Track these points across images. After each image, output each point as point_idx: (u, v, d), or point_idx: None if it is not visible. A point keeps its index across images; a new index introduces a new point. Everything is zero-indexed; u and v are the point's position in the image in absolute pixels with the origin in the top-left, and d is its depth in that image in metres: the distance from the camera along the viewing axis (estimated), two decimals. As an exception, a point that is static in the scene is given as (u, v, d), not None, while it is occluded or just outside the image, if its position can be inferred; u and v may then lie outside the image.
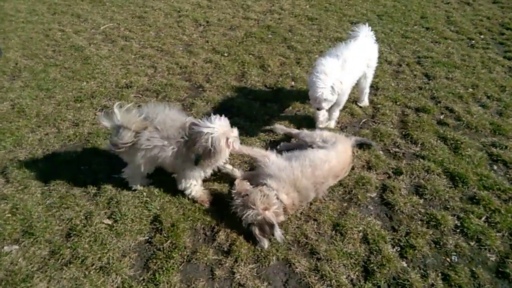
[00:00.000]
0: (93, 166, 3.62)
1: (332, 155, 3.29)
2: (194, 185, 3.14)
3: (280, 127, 3.97)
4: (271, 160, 3.19)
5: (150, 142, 2.86)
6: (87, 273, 2.69)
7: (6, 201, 3.24)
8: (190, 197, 3.20)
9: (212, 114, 2.86)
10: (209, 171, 3.12)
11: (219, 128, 2.78)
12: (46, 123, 4.19)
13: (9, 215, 3.11)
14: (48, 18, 6.94)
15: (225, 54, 5.68)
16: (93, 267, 2.74)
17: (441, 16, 7.18)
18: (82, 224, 3.04)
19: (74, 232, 2.97)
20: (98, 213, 3.14)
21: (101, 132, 4.02)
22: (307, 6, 7.57)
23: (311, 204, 3.27)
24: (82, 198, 3.29)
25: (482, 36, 6.47)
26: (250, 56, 5.62)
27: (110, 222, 3.06)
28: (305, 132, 3.68)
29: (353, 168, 3.61)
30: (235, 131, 2.97)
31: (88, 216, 3.10)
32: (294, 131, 3.82)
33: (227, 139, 2.85)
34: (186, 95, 4.73)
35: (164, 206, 3.20)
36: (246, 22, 6.81)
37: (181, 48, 5.89)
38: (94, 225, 3.02)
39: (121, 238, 2.95)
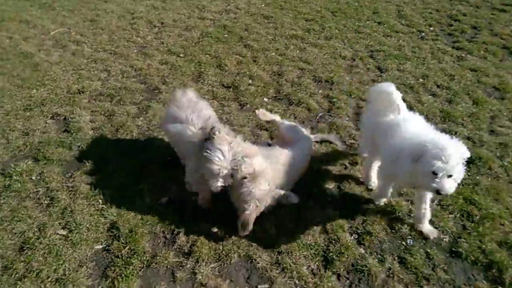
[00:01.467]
0: (44, 176, 3.49)
1: (298, 152, 3.29)
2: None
3: (265, 114, 3.87)
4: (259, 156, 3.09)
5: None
6: (42, 286, 2.60)
7: (-49, 218, 3.07)
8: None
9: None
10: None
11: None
12: (-6, 134, 4.01)
13: (-44, 231, 2.96)
14: (-6, 25, 6.63)
15: (181, 55, 5.63)
16: (49, 279, 2.65)
17: (392, 11, 7.42)
18: (36, 237, 2.93)
19: (27, 245, 2.87)
20: (51, 224, 3.03)
21: (52, 141, 3.89)
22: (263, 5, 7.63)
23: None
24: (34, 209, 3.17)
25: (431, 28, 6.75)
26: (207, 56, 5.60)
27: (64, 233, 2.97)
28: (286, 123, 3.68)
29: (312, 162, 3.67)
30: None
31: (42, 228, 3.00)
32: (277, 118, 3.81)
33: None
34: (142, 98, 4.65)
35: (121, 212, 3.14)
36: (202, 22, 6.78)
37: (135, 51, 5.79)
38: (48, 236, 2.92)
39: (76, 248, 2.86)
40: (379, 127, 3.14)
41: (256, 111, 3.90)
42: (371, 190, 3.46)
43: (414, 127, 2.92)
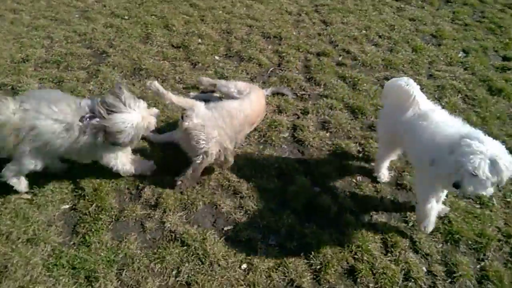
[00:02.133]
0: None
1: (247, 105, 3.47)
2: (115, 159, 2.96)
3: (206, 79, 3.99)
4: (199, 108, 3.20)
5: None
6: (14, 247, 2.64)
7: None
8: (122, 174, 3.08)
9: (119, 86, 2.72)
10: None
11: (139, 117, 2.68)
12: None
13: None
14: None
15: (126, 17, 5.49)
16: (20, 240, 2.69)
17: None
18: (0, 203, 2.92)
19: (-9, 213, 2.87)
20: (14, 191, 3.03)
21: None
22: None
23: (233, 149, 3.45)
24: (-8, 178, 3.14)
25: (371, -18, 6.95)
26: (153, 17, 5.50)
27: (29, 197, 2.99)
28: (222, 82, 3.80)
29: (265, 114, 3.85)
30: (154, 111, 2.92)
31: (4, 195, 2.99)
32: (216, 81, 3.91)
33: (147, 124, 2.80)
34: (90, 63, 4.55)
35: (84, 174, 3.18)
36: (144, -18, 6.56)
37: (77, 16, 5.56)
38: (12, 202, 2.93)
39: (43, 210, 2.90)
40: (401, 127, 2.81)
41: (198, 78, 4.09)
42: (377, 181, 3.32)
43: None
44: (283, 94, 4.15)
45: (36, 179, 3.08)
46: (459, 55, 4.99)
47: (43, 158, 2.76)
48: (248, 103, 3.49)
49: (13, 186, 2.88)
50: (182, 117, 2.94)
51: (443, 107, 3.89)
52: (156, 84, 3.20)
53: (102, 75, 4.31)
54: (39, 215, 2.87)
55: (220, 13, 5.69)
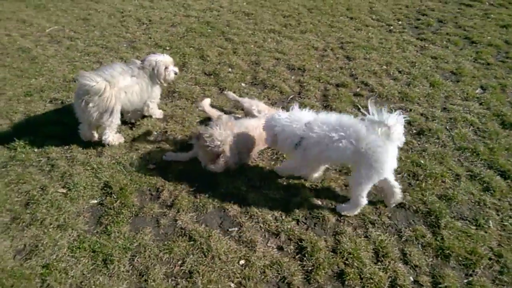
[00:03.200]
0: (45, 148, 3.97)
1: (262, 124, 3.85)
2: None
3: (232, 94, 4.49)
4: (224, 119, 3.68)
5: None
6: (46, 230, 3.09)
7: (-35, 182, 3.54)
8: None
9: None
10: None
11: (162, 58, 4.03)
12: (-1, 117, 4.49)
13: (-31, 193, 3.43)
14: (-8, 24, 7.10)
15: (167, 48, 6.14)
16: (51, 226, 3.13)
17: (365, 7, 8.00)
18: (39, 194, 3.41)
19: (33, 201, 3.34)
20: (53, 185, 3.52)
21: (53, 120, 4.38)
22: (244, 3, 8.17)
23: (243, 164, 3.80)
24: (37, 174, 3.65)
25: (400, 22, 7.33)
26: (191, 48, 6.12)
27: (64, 191, 3.46)
28: (246, 99, 4.29)
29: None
30: (175, 68, 4.18)
31: (44, 188, 3.48)
32: (239, 99, 4.39)
33: (166, 67, 4.02)
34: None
35: (113, 175, 3.63)
36: (187, 19, 7.30)
37: (125, 45, 6.29)
38: (50, 194, 3.41)
39: (75, 203, 3.35)
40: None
41: (224, 91, 4.59)
42: None
43: None
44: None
45: (72, 176, 3.56)
46: (476, 91, 5.14)
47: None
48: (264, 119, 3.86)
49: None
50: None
51: (452, 137, 4.12)
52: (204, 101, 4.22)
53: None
54: (70, 206, 3.31)
55: (252, 47, 6.22)
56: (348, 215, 3.31)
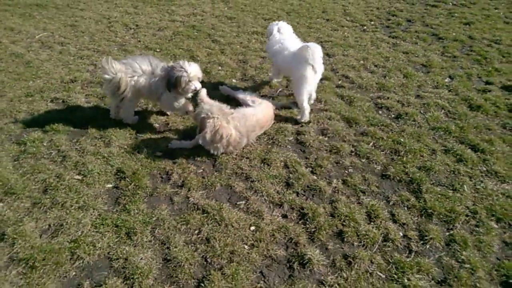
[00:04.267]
0: (54, 142, 4.20)
1: (258, 111, 4.24)
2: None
3: (227, 88, 4.86)
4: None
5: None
6: (68, 211, 3.34)
7: (-19, 175, 3.74)
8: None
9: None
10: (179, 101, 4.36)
11: (186, 74, 4.10)
12: (3, 116, 4.67)
13: (-13, 183, 3.63)
14: (-20, 32, 7.21)
15: (157, 50, 6.45)
16: (72, 207, 3.38)
17: (339, 10, 8.55)
18: (56, 181, 3.65)
19: (50, 188, 3.58)
20: (67, 173, 3.76)
21: (57, 117, 4.60)
22: (226, 8, 8.58)
23: (243, 149, 4.15)
24: (51, 165, 3.88)
25: (372, 23, 7.90)
26: (180, 50, 6.46)
27: (80, 177, 3.71)
28: (240, 92, 4.74)
29: (274, 122, 4.57)
30: (197, 84, 4.26)
31: (60, 176, 3.72)
32: (234, 92, 4.79)
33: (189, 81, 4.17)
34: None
35: (124, 161, 3.91)
36: (173, 23, 7.64)
37: (116, 48, 6.56)
38: (66, 181, 3.65)
39: (91, 187, 3.61)
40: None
41: (220, 87, 4.99)
42: None
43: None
44: (289, 108, 4.89)
45: (85, 165, 3.82)
46: (445, 80, 5.69)
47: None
48: (260, 110, 4.26)
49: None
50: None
51: (426, 119, 4.60)
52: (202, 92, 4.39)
53: (137, 92, 5.14)
54: (88, 190, 3.57)
55: (238, 47, 6.61)
56: (303, 120, 4.59)
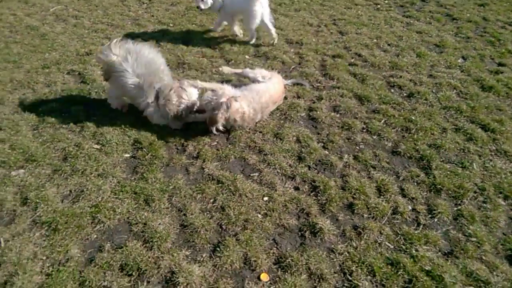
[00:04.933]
0: (72, 112, 4.31)
1: (271, 86, 4.29)
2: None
3: (227, 69, 4.86)
4: (228, 88, 4.08)
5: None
6: (88, 178, 3.46)
7: (2, 142, 3.85)
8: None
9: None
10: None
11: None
12: (21, 86, 4.77)
13: (9, 150, 3.75)
14: (-6, 4, 7.26)
15: (171, 25, 6.48)
16: (92, 175, 3.51)
17: (352, -12, 8.45)
18: (75, 150, 3.76)
19: (70, 156, 3.70)
20: (86, 142, 3.87)
21: (73, 89, 4.70)
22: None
23: (256, 123, 4.23)
24: (69, 134, 4.00)
25: (386, 1, 7.82)
26: (193, 25, 6.48)
27: (98, 147, 3.83)
28: (248, 70, 4.64)
29: (286, 98, 4.63)
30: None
31: (79, 145, 3.83)
32: (239, 70, 4.76)
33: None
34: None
35: (141, 132, 4.01)
36: (186, -1, 7.63)
37: (129, 22, 6.59)
38: (85, 149, 3.77)
39: (110, 156, 3.73)
40: None
41: (219, 68, 4.96)
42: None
43: None
44: (301, 84, 4.94)
45: (103, 135, 3.92)
46: (458, 60, 5.68)
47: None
48: (272, 85, 4.30)
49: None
50: None
51: (438, 98, 4.64)
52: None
53: (152, 66, 5.20)
54: (107, 159, 3.69)
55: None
56: (252, 42, 5.84)
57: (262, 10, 5.55)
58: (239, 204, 3.27)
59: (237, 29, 6.13)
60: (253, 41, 5.94)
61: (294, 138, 4.07)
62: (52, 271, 2.68)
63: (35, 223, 3.05)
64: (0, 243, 2.87)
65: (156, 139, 3.93)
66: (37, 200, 3.20)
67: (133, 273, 2.71)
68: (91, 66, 5.19)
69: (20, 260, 2.74)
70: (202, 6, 5.74)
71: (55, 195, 3.30)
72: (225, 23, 6.26)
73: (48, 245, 2.87)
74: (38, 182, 3.41)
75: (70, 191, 3.36)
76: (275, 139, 4.05)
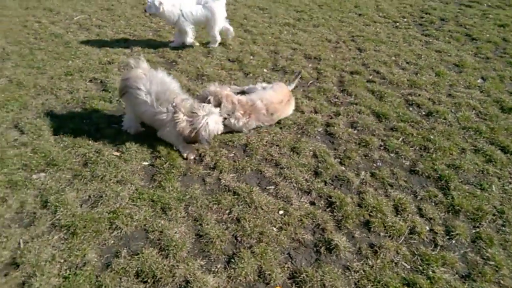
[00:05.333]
0: (93, 119, 4.39)
1: (270, 91, 4.45)
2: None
3: (234, 87, 4.95)
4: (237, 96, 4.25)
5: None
6: (107, 184, 3.51)
7: (25, 146, 3.95)
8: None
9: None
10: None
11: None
12: (44, 92, 4.89)
13: (31, 154, 3.83)
14: (22, 12, 7.50)
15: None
16: (111, 181, 3.56)
17: (371, 5, 8.52)
18: (95, 156, 3.83)
19: (90, 162, 3.76)
20: (106, 149, 3.94)
21: (95, 97, 4.80)
22: (258, -1, 8.66)
23: (273, 136, 4.25)
24: (90, 140, 4.06)
25: (405, 19, 7.86)
26: (213, 38, 6.58)
27: (118, 154, 3.89)
28: (250, 86, 4.84)
29: (303, 112, 4.65)
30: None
31: (99, 151, 3.90)
32: (243, 87, 4.90)
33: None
34: (163, 68, 5.57)
35: (159, 141, 4.06)
36: (206, 12, 7.76)
37: (150, 33, 6.73)
38: (105, 156, 3.83)
39: (129, 163, 3.78)
40: None
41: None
42: None
43: None
44: (299, 77, 5.14)
45: (123, 142, 3.99)
46: (478, 81, 5.65)
47: None
48: (272, 90, 4.49)
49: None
50: None
51: (457, 118, 4.61)
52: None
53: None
54: (126, 166, 3.74)
55: (270, 38, 6.69)
56: (214, 46, 6.28)
57: (222, 17, 6.16)
58: (254, 216, 3.27)
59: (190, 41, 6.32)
60: (216, 44, 6.37)
61: (311, 153, 4.08)
62: (69, 274, 2.72)
63: (54, 226, 3.09)
64: (20, 244, 2.91)
65: (174, 149, 3.97)
66: (57, 204, 3.25)
67: (148, 280, 2.72)
68: (113, 75, 5.30)
69: (39, 262, 2.78)
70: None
71: (74, 200, 3.35)
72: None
73: (66, 248, 2.91)
74: (58, 186, 3.47)
75: (89, 196, 3.41)
76: (291, 153, 4.06)
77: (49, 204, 3.27)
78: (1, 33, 6.53)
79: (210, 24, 6.06)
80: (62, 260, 2.82)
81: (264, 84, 4.66)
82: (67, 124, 4.29)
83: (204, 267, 2.86)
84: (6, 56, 5.80)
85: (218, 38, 6.26)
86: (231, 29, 6.40)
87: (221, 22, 6.08)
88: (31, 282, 2.66)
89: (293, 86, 4.99)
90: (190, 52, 6.04)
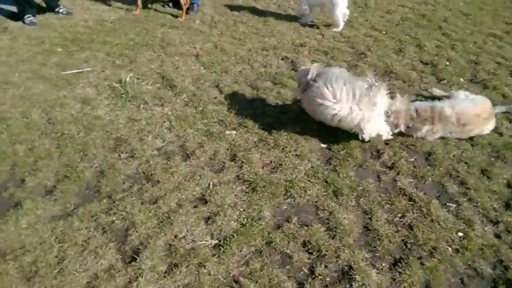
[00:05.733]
0: (282, 93, 4.65)
1: (468, 101, 4.05)
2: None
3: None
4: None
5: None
6: (286, 155, 3.70)
7: (222, 104, 4.41)
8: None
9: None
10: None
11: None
12: (242, 62, 5.37)
13: (226, 112, 4.27)
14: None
15: (383, 32, 6.43)
16: (291, 153, 3.74)
17: None
18: (279, 128, 4.05)
19: (274, 131, 4.01)
20: (289, 123, 4.15)
21: (285, 74, 5.07)
22: (461, 3, 7.94)
23: (462, 153, 3.88)
24: (275, 113, 4.33)
25: None
26: (407, 36, 6.29)
27: (299, 130, 4.05)
28: (452, 91, 4.49)
29: (501, 135, 4.13)
30: None
31: (283, 124, 4.12)
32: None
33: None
34: (350, 59, 5.58)
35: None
36: (402, 8, 7.49)
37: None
38: (288, 130, 4.02)
39: (308, 142, 3.91)
40: None
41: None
42: None
43: None
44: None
45: (305, 121, 4.13)
46: None
47: None
48: (472, 103, 4.04)
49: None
50: None
51: None
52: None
53: (359, 69, 5.26)
54: (305, 143, 3.89)
55: (471, 46, 6.08)
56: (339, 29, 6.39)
57: (344, 2, 6.20)
58: (429, 229, 3.06)
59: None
60: (340, 28, 6.47)
61: (505, 181, 3.60)
62: (246, 222, 2.98)
63: (239, 179, 3.41)
64: (210, 185, 3.30)
65: (353, 139, 3.94)
66: (243, 160, 3.57)
67: (314, 253, 2.80)
68: (303, 57, 5.52)
69: (223, 204, 3.12)
70: None
71: (257, 161, 3.63)
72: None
73: (246, 200, 3.19)
74: (245, 146, 3.81)
75: (270, 161, 3.66)
76: (481, 175, 3.65)
77: (237, 158, 3.61)
78: (210, 3, 7.40)
79: (332, 8, 6.20)
80: (241, 209, 3.11)
81: (468, 93, 4.25)
82: (259, 93, 4.63)
83: (369, 260, 2.81)
84: (213, 24, 6.54)
85: (341, 22, 6.33)
86: (347, 12, 6.38)
87: (343, 5, 6.12)
88: (215, 219, 3.00)
89: (503, 109, 4.47)
90: (380, 47, 5.90)
